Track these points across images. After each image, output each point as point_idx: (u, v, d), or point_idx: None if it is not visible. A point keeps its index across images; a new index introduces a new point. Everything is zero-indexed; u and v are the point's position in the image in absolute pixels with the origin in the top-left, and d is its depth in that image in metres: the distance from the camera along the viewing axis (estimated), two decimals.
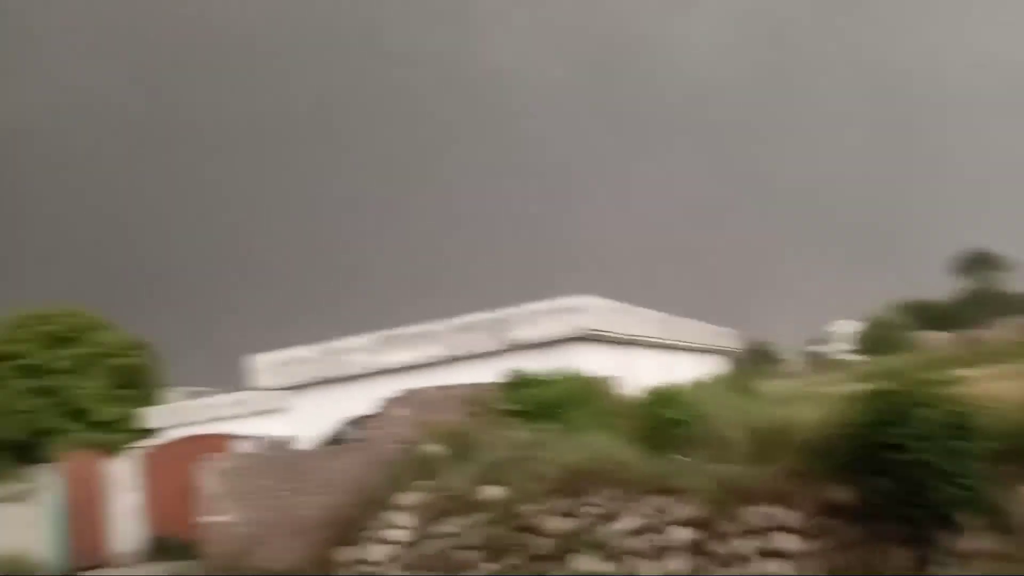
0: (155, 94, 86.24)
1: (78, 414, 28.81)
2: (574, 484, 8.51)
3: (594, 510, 8.26)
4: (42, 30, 76.54)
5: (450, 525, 9.15)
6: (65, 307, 30.67)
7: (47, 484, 16.00)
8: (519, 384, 12.34)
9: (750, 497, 7.68)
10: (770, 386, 18.65)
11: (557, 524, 8.37)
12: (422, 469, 10.25)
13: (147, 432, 27.29)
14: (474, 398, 12.16)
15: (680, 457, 8.93)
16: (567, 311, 14.51)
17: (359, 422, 16.29)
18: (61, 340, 29.63)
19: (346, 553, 10.13)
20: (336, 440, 16.42)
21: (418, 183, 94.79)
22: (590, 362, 13.91)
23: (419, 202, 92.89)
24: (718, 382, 18.19)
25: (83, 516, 16.00)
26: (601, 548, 8.00)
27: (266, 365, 19.21)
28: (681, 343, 19.89)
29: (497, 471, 9.35)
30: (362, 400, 16.66)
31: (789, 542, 7.33)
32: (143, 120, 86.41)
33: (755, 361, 29.82)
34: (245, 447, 13.99)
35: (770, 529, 7.47)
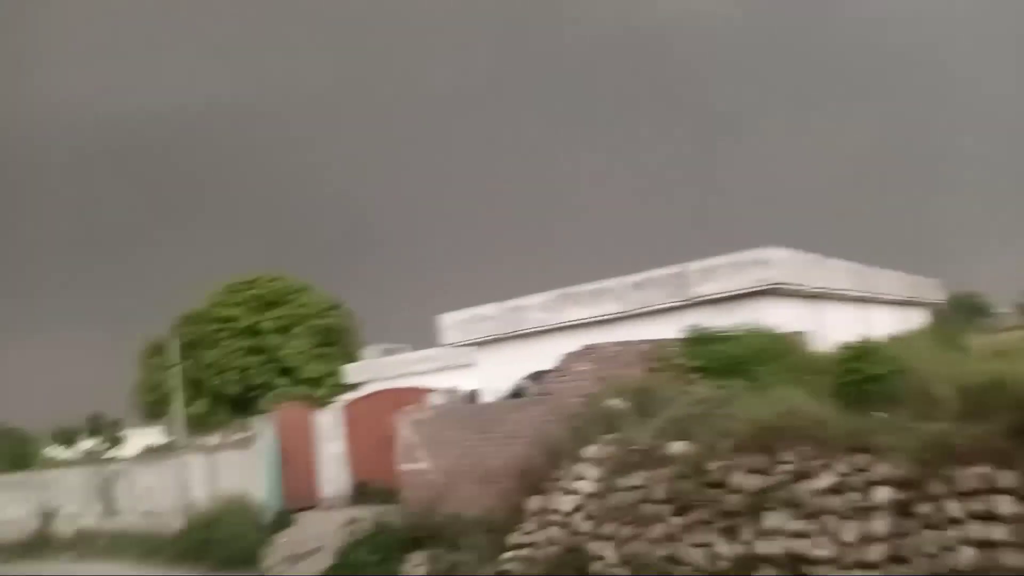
0: (349, 67, 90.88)
1: (286, 371, 31.52)
2: (765, 440, 8.25)
3: (787, 467, 7.98)
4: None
5: (636, 478, 9.17)
6: (269, 273, 33.45)
7: (263, 433, 17.56)
8: (702, 340, 12.10)
9: (961, 456, 7.12)
10: (980, 340, 17.11)
11: (748, 481, 8.16)
12: (605, 423, 10.31)
13: (347, 387, 29.34)
14: (655, 354, 12.05)
15: (880, 414, 8.43)
16: (752, 264, 14.00)
17: (539, 377, 16.64)
18: (268, 304, 32.42)
19: (534, 502, 10.42)
20: (517, 394, 16.89)
21: (589, 141, 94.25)
22: (777, 317, 13.38)
23: (593, 160, 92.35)
24: (920, 335, 16.95)
25: (294, 462, 17.46)
26: (795, 506, 7.73)
27: (453, 323, 20.00)
28: (877, 295, 18.66)
29: (683, 426, 9.25)
30: (542, 356, 17.01)
31: (1004, 504, 6.75)
32: (338, 89, 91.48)
33: (962, 313, 27.47)
34: (436, 400, 14.67)
35: (983, 491, 6.90)
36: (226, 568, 14.80)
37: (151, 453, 30.77)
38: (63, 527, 22.20)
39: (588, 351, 12.19)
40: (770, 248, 14.09)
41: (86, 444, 42.37)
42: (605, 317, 16.84)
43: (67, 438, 42.22)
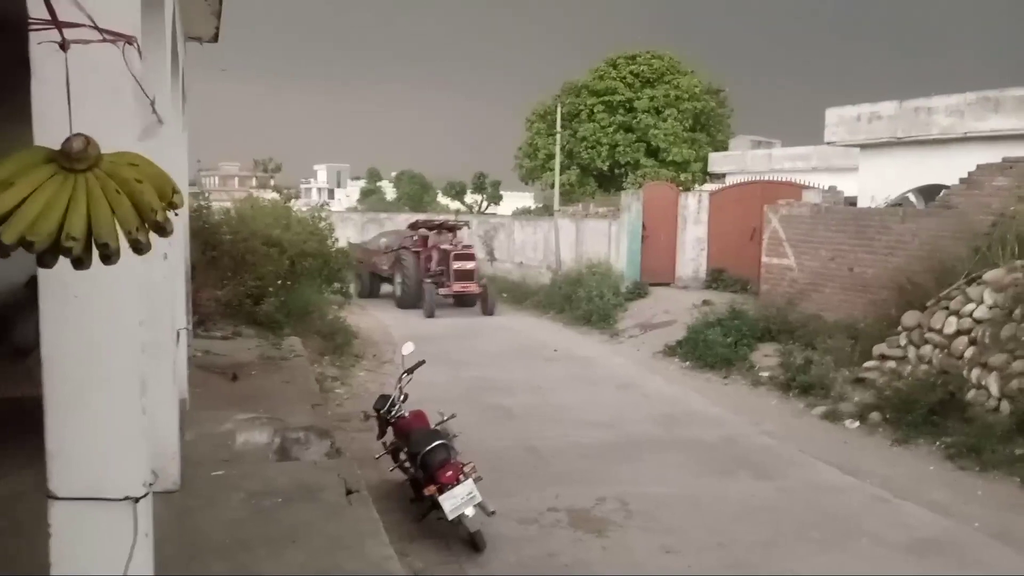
0: None
1: (653, 152, 31.90)
2: None
3: None
4: None
5: None
6: (651, 49, 33.05)
7: (629, 207, 18.18)
8: None
9: None
10: None
11: None
12: (1017, 247, 9.03)
13: (711, 175, 29.04)
14: None
15: None
16: None
17: (932, 190, 14.88)
18: (645, 81, 32.38)
19: (910, 318, 9.71)
20: (902, 206, 15.37)
21: None
22: None
23: None
24: None
25: (655, 240, 18.00)
26: None
27: (837, 119, 18.40)
28: None
29: None
30: (941, 167, 15.11)
31: None
32: None
33: None
34: (812, 198, 13.91)
35: None
36: (583, 325, 16.15)
37: (526, 213, 33.75)
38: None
39: (1008, 164, 10.51)
40: None
41: (470, 198, 47.56)
42: None
43: (456, 191, 47.70)
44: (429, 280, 18.46)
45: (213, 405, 7.19)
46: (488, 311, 18.08)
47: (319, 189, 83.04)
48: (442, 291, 18.26)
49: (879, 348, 9.96)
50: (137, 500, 2.73)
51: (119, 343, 2.78)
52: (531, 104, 35.89)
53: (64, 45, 2.01)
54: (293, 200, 23.74)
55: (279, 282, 11.45)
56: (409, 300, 18.64)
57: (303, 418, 6.99)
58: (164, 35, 4.96)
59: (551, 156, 33.14)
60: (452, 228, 20.57)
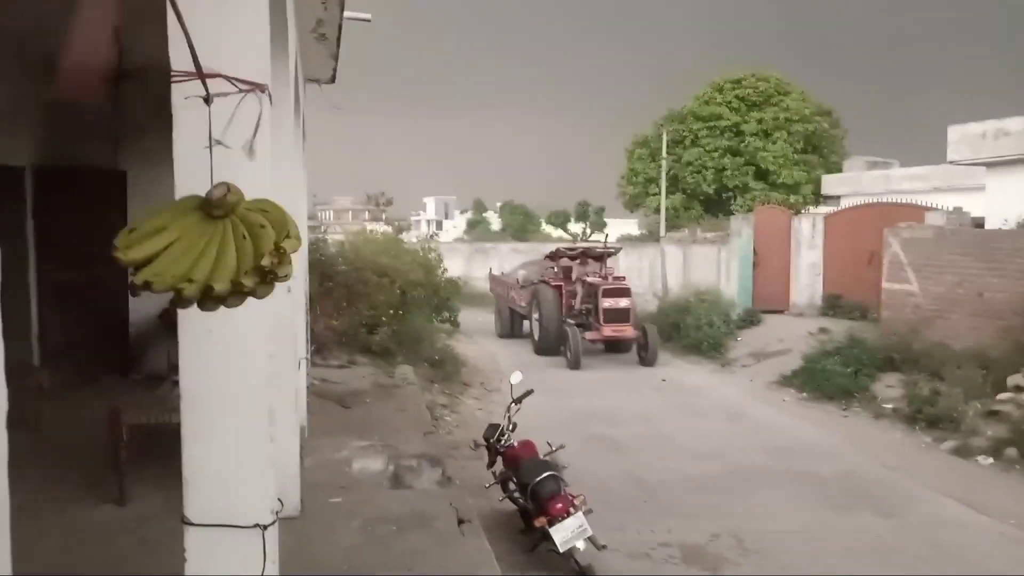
0: None
1: (762, 174, 31.15)
2: None
3: None
4: None
5: None
6: (758, 72, 32.42)
7: (739, 232, 17.80)
8: None
9: None
10: None
11: None
12: None
13: (824, 197, 28.09)
14: None
15: None
16: None
17: None
18: (752, 104, 31.75)
19: None
20: None
21: None
22: None
23: None
24: None
25: (767, 265, 17.53)
26: None
27: (959, 137, 17.51)
28: None
29: None
30: None
31: None
32: None
33: None
34: (934, 219, 13.26)
35: None
36: (692, 354, 15.82)
37: (630, 240, 33.53)
38: None
39: None
40: None
41: (574, 227, 47.65)
42: None
43: (560, 220, 47.92)
44: (572, 321, 15.28)
45: (330, 432, 7.42)
46: (648, 361, 14.78)
47: (428, 221, 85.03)
48: (589, 335, 14.96)
49: (1014, 379, 9.35)
50: (266, 527, 2.85)
51: (250, 375, 2.92)
52: (633, 132, 35.80)
53: (208, 99, 2.15)
54: (404, 232, 24.34)
55: (391, 312, 11.78)
56: (548, 344, 15.56)
57: (415, 446, 7.13)
58: (289, 80, 5.24)
59: (652, 180, 32.86)
60: (599, 257, 17.01)
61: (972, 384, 9.94)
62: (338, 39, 7.59)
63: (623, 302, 14.97)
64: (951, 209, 13.90)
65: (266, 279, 1.82)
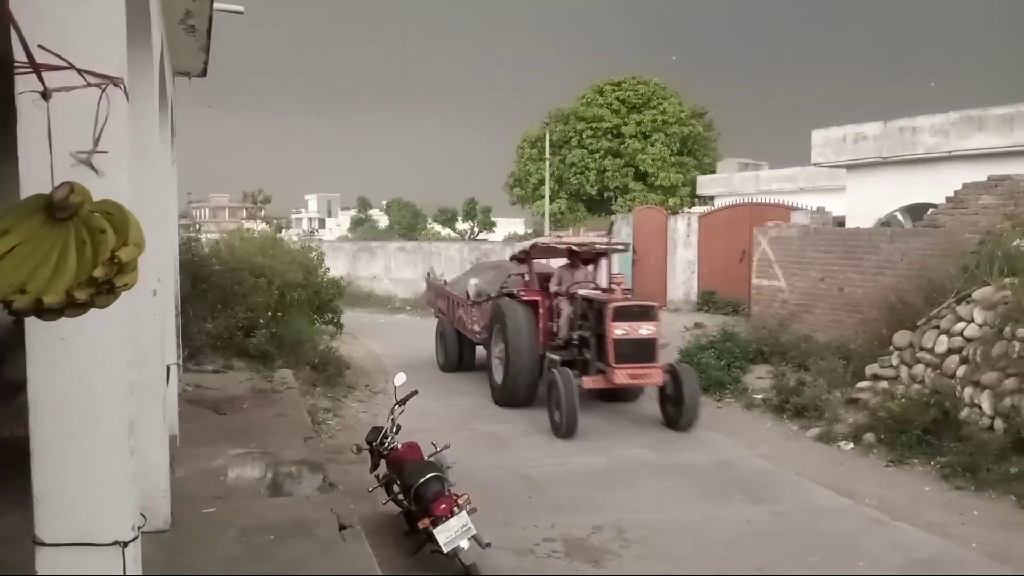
0: None
1: (641, 176, 32.09)
2: None
3: None
4: None
5: None
6: (636, 75, 33.38)
7: (619, 232, 18.25)
8: None
9: None
10: None
11: None
12: (1006, 265, 9.09)
13: (699, 198, 29.24)
14: None
15: None
16: None
17: (919, 209, 15.00)
18: (631, 107, 32.66)
19: (901, 337, 9.74)
20: (889, 225, 15.48)
21: None
22: None
23: None
24: None
25: (646, 263, 18.07)
26: None
27: (824, 140, 18.60)
28: None
29: None
30: (927, 186, 15.25)
31: None
32: None
33: None
34: (800, 219, 14.00)
35: None
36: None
37: (517, 239, 33.83)
38: None
39: (994, 183, 10.64)
40: None
41: (462, 225, 47.65)
42: (1017, 148, 14.47)
43: (447, 218, 47.78)
44: (557, 357, 10.27)
45: (204, 441, 7.12)
46: (682, 420, 9.48)
47: (310, 219, 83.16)
48: (588, 381, 9.61)
49: (871, 368, 9.98)
50: (126, 544, 2.70)
51: (106, 384, 2.76)
52: (520, 131, 36.18)
53: (46, 94, 2.01)
54: (284, 230, 23.58)
55: (269, 314, 11.42)
56: (518, 393, 10.57)
57: (295, 452, 6.93)
58: (153, 73, 4.98)
59: (542, 182, 33.32)
60: (595, 257, 11.96)
61: (834, 374, 10.56)
62: (209, 31, 7.29)
63: (646, 328, 9.54)
64: (815, 209, 14.71)
65: (101, 290, 1.70)
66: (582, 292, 10.51)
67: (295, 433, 7.63)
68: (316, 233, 46.62)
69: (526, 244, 12.37)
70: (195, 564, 4.70)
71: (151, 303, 4.71)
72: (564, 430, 9.22)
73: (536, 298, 11.06)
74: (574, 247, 11.55)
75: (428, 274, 18.09)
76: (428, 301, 16.03)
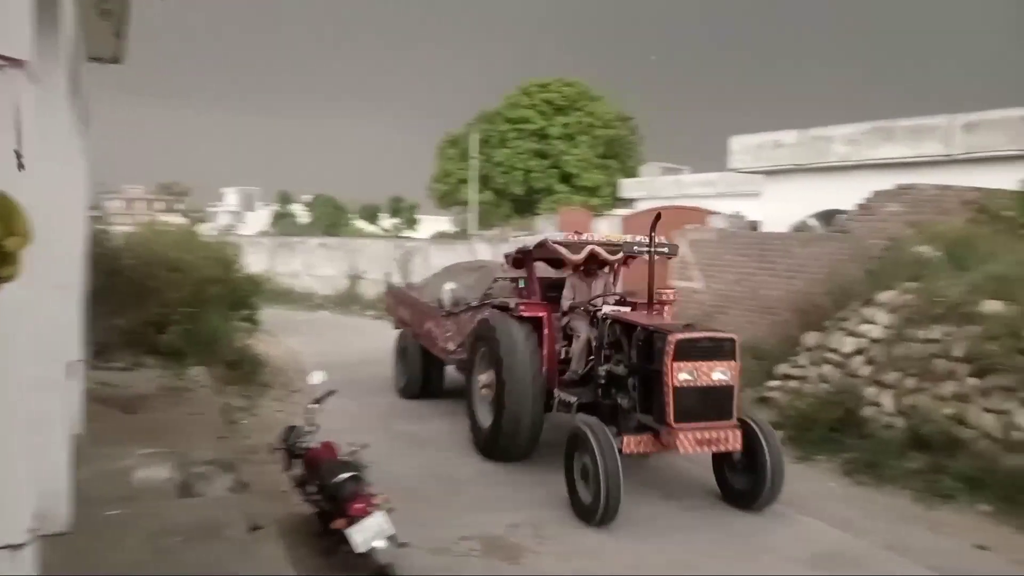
0: None
1: (566, 177, 32.43)
2: None
3: None
4: None
5: (934, 332, 8.50)
6: (563, 78, 33.71)
7: (545, 231, 18.39)
8: None
9: None
10: None
11: None
12: (909, 270, 9.52)
13: (622, 200, 29.69)
14: (981, 204, 10.74)
15: None
16: None
17: (831, 215, 15.60)
18: (557, 108, 32.96)
19: (811, 338, 10.11)
20: (802, 230, 16.05)
21: None
22: None
23: None
24: None
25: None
26: None
27: (742, 147, 19.14)
28: None
29: (1002, 285, 8.28)
30: (838, 193, 15.86)
31: None
32: None
33: None
34: (718, 223, 14.37)
35: None
36: None
37: (442, 237, 33.72)
38: (366, 289, 25.44)
39: (901, 191, 11.13)
40: None
41: (386, 222, 47.22)
42: (923, 159, 15.18)
43: (371, 214, 47.26)
44: (571, 399, 7.71)
45: (111, 440, 6.87)
46: (762, 499, 6.82)
47: (229, 213, 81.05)
48: (629, 442, 6.80)
49: (782, 368, 10.32)
50: (19, 547, 2.58)
51: (3, 380, 2.63)
52: (446, 130, 36.14)
53: None
54: (201, 224, 22.92)
55: (183, 309, 11.09)
56: (515, 441, 7.94)
57: (207, 452, 6.76)
58: (61, 57, 4.78)
59: (464, 181, 33.32)
60: (624, 263, 9.11)
61: (749, 374, 10.85)
62: (125, 16, 7.04)
63: (721, 371, 6.70)
64: (732, 213, 15.12)
65: None
66: (612, 311, 7.78)
67: (207, 432, 7.44)
68: (234, 228, 45.48)
69: (527, 240, 9.10)
70: (98, 567, 4.54)
71: (54, 297, 4.52)
72: (602, 516, 6.35)
73: (540, 314, 8.25)
74: (602, 247, 8.55)
75: (387, 280, 15.38)
76: (387, 308, 13.56)
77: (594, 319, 8.04)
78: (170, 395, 8.77)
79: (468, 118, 34.70)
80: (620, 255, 8.82)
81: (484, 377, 8.39)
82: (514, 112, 32.91)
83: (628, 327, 7.40)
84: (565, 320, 8.48)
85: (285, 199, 61.61)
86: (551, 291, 8.92)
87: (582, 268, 8.75)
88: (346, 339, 15.20)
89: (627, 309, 8.06)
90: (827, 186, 17.13)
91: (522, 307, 8.27)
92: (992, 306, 8.13)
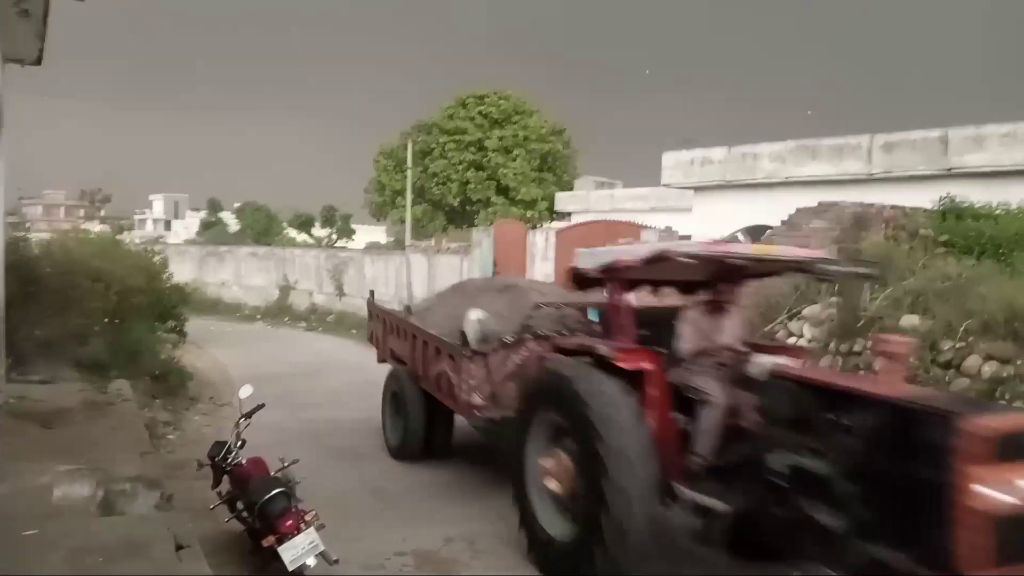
0: None
1: (503, 189, 32.52)
2: (1015, 327, 7.56)
3: None
4: None
5: (856, 345, 8.80)
6: (500, 90, 33.85)
7: (481, 243, 18.43)
8: (956, 214, 11.05)
9: None
10: None
11: (985, 367, 7.59)
12: (831, 285, 9.84)
13: (557, 213, 29.94)
14: (899, 222, 11.18)
15: None
16: None
17: (758, 230, 16.03)
18: (494, 121, 33.07)
19: None
20: None
21: None
22: None
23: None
24: None
25: (506, 274, 18.28)
26: None
27: (674, 162, 19.51)
28: None
29: (920, 300, 8.64)
30: (766, 209, 16.30)
31: None
32: None
33: None
34: (649, 237, 14.60)
35: None
36: None
37: (377, 247, 33.44)
38: (298, 300, 25.04)
39: (824, 208, 11.49)
40: None
41: (319, 232, 46.53)
42: (845, 177, 15.72)
43: (304, 223, 46.50)
44: (717, 502, 4.88)
45: (28, 456, 6.57)
46: None
47: (155, 220, 78.84)
48: None
49: None
50: None
51: None
52: (381, 140, 35.91)
53: None
54: (125, 232, 22.26)
55: (106, 320, 10.71)
56: (626, 563, 4.95)
57: (131, 468, 6.52)
58: None
59: (399, 192, 33.14)
60: (792, 269, 6.13)
61: None
62: (44, 17, 6.82)
63: None
64: (663, 228, 15.39)
65: None
66: (781, 365, 5.11)
67: (131, 448, 7.18)
68: (162, 238, 44.29)
69: (626, 251, 6.10)
70: None
71: None
72: None
73: (646, 365, 5.53)
74: (760, 263, 5.80)
75: (370, 297, 11.75)
76: (371, 337, 10.76)
77: (741, 376, 5.27)
78: (92, 409, 8.43)
79: (403, 127, 34.59)
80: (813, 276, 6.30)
81: (546, 463, 5.73)
82: (450, 124, 32.93)
83: (834, 395, 4.50)
84: (676, 375, 5.62)
85: (215, 207, 60.28)
86: (646, 327, 6.13)
87: (712, 299, 6.08)
88: (277, 351, 14.93)
89: (785, 360, 5.32)
90: (755, 202, 17.56)
91: (620, 355, 5.54)
92: (910, 320, 8.46)
